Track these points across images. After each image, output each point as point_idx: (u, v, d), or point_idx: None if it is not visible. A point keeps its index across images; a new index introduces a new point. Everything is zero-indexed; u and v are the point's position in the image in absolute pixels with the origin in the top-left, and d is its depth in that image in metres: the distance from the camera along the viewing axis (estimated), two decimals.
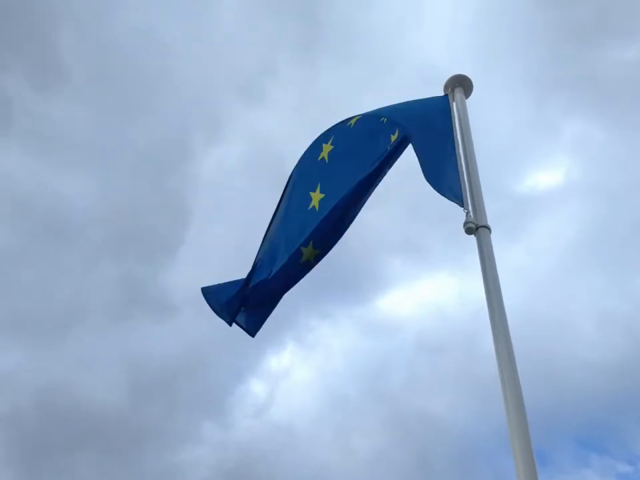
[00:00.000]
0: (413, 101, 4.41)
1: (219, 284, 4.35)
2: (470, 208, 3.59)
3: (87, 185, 13.86)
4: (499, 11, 13.41)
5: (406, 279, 15.79)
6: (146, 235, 14.22)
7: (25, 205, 13.58)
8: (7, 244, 13.60)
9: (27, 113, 13.08)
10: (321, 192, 4.19)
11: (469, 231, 3.47)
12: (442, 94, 4.34)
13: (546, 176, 14.92)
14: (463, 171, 3.78)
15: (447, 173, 3.83)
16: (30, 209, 13.60)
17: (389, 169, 4.12)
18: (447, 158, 3.88)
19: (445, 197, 3.65)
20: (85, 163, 13.69)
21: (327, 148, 4.41)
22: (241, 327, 4.40)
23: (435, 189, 3.68)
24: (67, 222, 13.75)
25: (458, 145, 3.93)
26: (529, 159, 14.21)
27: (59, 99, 12.91)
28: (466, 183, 3.73)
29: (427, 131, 4.07)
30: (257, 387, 15.69)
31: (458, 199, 3.64)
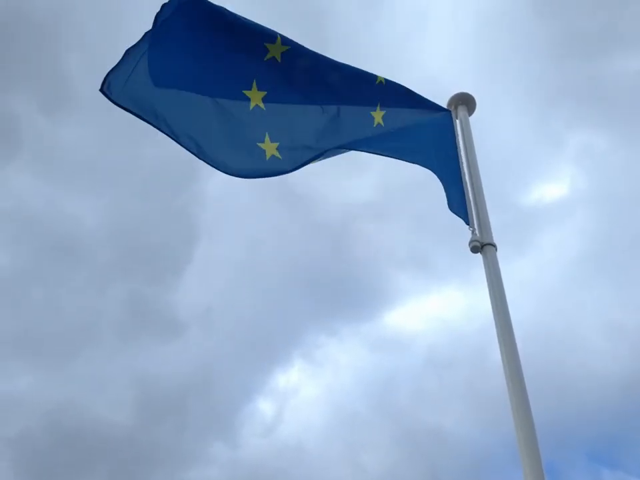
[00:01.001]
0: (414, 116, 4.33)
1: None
2: (475, 226, 3.63)
3: (95, 205, 13.98)
4: (501, 23, 13.51)
5: (413, 293, 15.78)
6: (154, 254, 14.31)
7: (35, 226, 13.71)
8: (17, 265, 13.72)
9: (37, 135, 13.26)
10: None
11: (474, 249, 3.51)
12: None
13: (551, 188, 14.93)
14: (467, 189, 3.83)
15: (451, 191, 3.89)
16: (39, 230, 13.73)
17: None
18: (452, 176, 3.94)
19: (455, 214, 3.73)
20: (94, 184, 13.82)
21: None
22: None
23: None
24: (76, 243, 13.87)
25: (462, 162, 3.98)
26: (534, 171, 14.23)
27: (67, 121, 13.07)
28: (471, 200, 3.77)
29: (433, 151, 4.13)
30: (265, 405, 15.67)
31: (464, 215, 3.71)
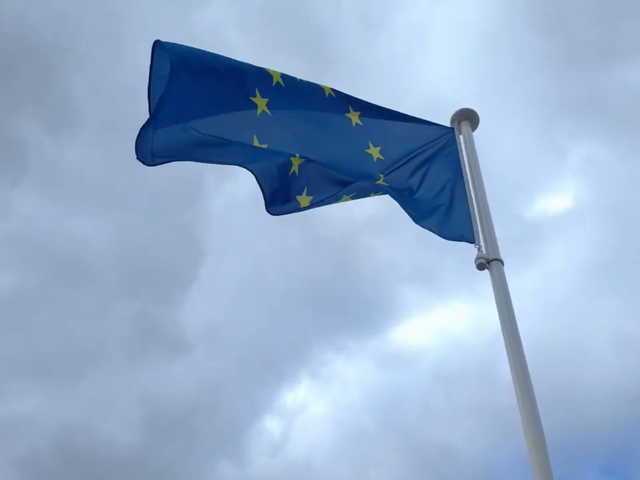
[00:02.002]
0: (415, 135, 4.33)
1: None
2: (482, 242, 3.62)
3: (101, 226, 14.06)
4: (501, 39, 13.61)
5: (419, 308, 15.76)
6: (160, 273, 14.35)
7: (42, 248, 13.78)
8: (24, 286, 13.76)
9: (43, 157, 13.37)
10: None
11: (480, 266, 3.49)
12: (447, 123, 4.34)
13: (555, 200, 14.96)
14: (472, 205, 3.84)
15: (455, 211, 3.89)
16: (46, 251, 13.79)
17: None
18: (455, 194, 3.95)
19: (453, 239, 3.74)
20: (100, 205, 13.91)
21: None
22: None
23: (440, 235, 3.79)
24: (83, 263, 13.92)
25: (467, 179, 3.99)
26: (538, 184, 14.26)
27: (73, 143, 13.19)
28: (477, 217, 3.78)
29: (430, 172, 4.13)
30: (272, 423, 15.60)
31: (468, 234, 3.70)
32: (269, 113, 3.85)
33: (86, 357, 14.02)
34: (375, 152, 4.15)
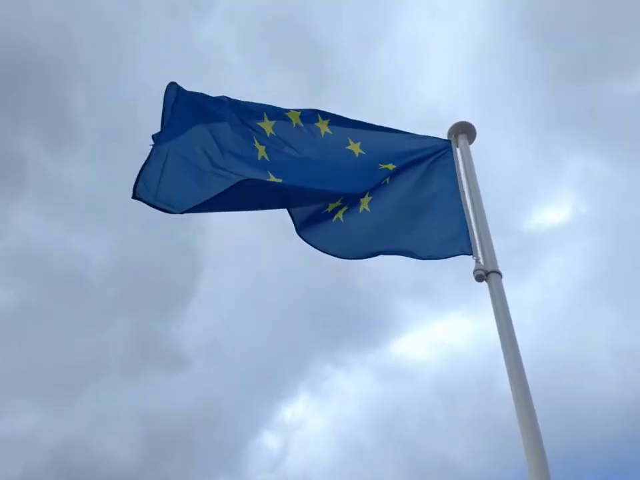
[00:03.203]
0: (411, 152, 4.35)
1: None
2: (480, 254, 3.63)
3: (100, 241, 14.05)
4: (496, 53, 13.72)
5: (418, 322, 15.73)
6: (159, 288, 14.33)
7: (40, 263, 13.76)
8: (22, 301, 13.73)
9: (41, 172, 13.41)
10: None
11: (479, 278, 3.50)
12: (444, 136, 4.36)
13: (553, 212, 15.01)
14: (470, 218, 3.85)
15: (452, 224, 3.90)
16: (45, 266, 13.77)
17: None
18: (452, 208, 3.96)
19: (447, 257, 3.76)
20: (99, 221, 13.91)
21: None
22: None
23: (440, 258, 3.84)
24: (81, 279, 13.90)
25: (464, 191, 4.00)
26: (535, 196, 14.31)
27: (72, 158, 13.23)
28: (474, 229, 3.78)
29: (424, 190, 4.17)
30: (271, 440, 15.51)
31: (467, 247, 3.70)
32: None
33: (84, 372, 13.97)
34: (355, 148, 4.19)
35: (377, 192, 4.18)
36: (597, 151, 14.12)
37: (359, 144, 4.22)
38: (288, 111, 4.13)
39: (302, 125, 4.14)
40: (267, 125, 4.00)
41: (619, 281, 13.19)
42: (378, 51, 14.03)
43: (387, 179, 4.19)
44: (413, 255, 4.00)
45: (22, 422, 13.28)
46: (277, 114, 4.09)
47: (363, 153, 4.19)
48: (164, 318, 14.46)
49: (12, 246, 13.57)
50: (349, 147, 4.20)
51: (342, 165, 4.14)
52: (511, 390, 3.04)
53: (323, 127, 4.18)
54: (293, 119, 4.14)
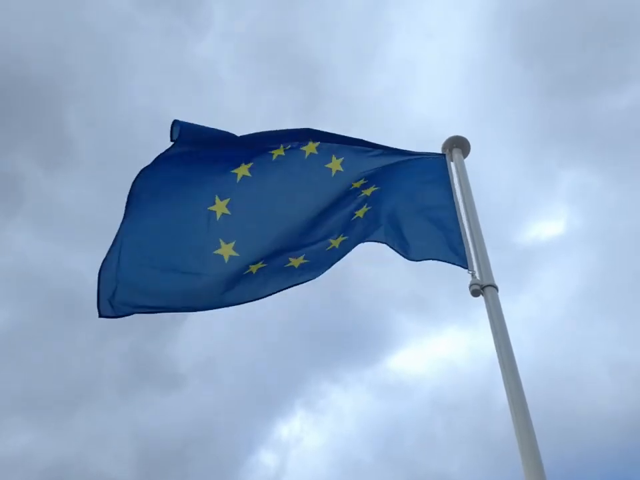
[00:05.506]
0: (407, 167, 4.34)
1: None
2: (475, 268, 3.62)
3: (96, 261, 13.98)
4: (489, 68, 13.86)
5: (415, 336, 15.69)
6: None
7: (35, 282, 13.69)
8: (17, 321, 13.65)
9: (38, 192, 13.40)
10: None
11: (475, 293, 3.48)
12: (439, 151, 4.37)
13: (547, 226, 15.06)
14: (465, 232, 3.85)
15: (447, 237, 3.91)
16: (40, 286, 13.70)
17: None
18: (448, 221, 3.97)
19: (448, 262, 3.76)
20: (94, 240, 13.86)
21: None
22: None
23: (438, 258, 3.82)
24: (77, 298, 13.82)
25: (459, 205, 4.01)
26: (529, 210, 14.38)
27: (68, 178, 13.24)
28: (469, 243, 3.78)
29: (421, 200, 4.19)
30: (267, 457, 15.37)
31: (462, 260, 3.70)
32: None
33: (80, 391, 13.86)
34: (335, 165, 4.13)
35: (348, 232, 4.20)
36: (589, 164, 14.24)
37: (340, 160, 4.14)
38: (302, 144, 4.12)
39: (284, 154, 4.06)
40: (243, 169, 3.94)
41: (614, 294, 13.23)
42: (371, 70, 14.17)
43: (361, 212, 4.19)
44: (404, 256, 4.07)
45: (17, 441, 13.17)
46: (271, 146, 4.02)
47: (341, 170, 4.12)
48: (159, 336, 14.38)
49: (8, 265, 13.53)
50: (328, 165, 4.12)
51: (315, 189, 4.07)
52: (509, 404, 3.03)
53: (310, 148, 4.12)
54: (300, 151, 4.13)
